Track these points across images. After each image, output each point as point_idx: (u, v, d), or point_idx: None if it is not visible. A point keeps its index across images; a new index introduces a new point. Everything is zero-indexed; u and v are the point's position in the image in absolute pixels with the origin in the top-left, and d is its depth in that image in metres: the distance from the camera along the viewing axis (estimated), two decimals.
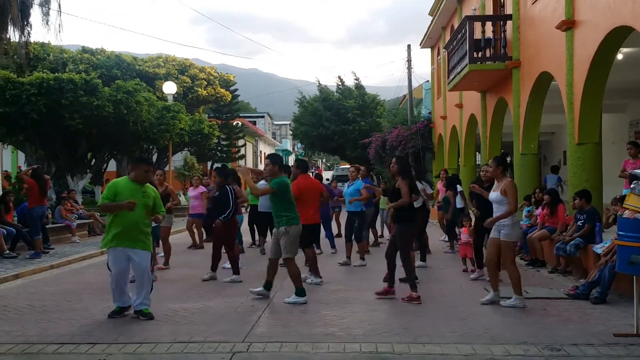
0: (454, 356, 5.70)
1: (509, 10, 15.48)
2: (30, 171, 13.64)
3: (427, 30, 26.78)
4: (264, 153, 58.73)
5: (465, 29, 15.63)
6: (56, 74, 20.88)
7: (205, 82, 35.41)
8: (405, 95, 36.46)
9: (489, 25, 15.84)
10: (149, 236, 7.53)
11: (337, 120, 40.41)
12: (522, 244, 12.24)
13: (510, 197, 7.82)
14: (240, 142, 41.59)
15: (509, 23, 15.21)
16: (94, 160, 24.85)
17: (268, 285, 8.54)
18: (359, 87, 42.72)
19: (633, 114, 18.05)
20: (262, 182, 13.19)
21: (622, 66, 12.43)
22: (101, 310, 7.72)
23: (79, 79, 19.96)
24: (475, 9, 18.63)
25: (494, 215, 7.99)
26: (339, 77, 43.39)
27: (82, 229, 17.37)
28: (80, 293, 9.20)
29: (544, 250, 11.13)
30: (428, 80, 31.89)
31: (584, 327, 6.74)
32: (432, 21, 25.53)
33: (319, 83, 43.98)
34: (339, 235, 15.72)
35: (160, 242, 11.48)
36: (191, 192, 14.98)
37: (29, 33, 16.02)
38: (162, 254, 11.70)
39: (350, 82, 44.14)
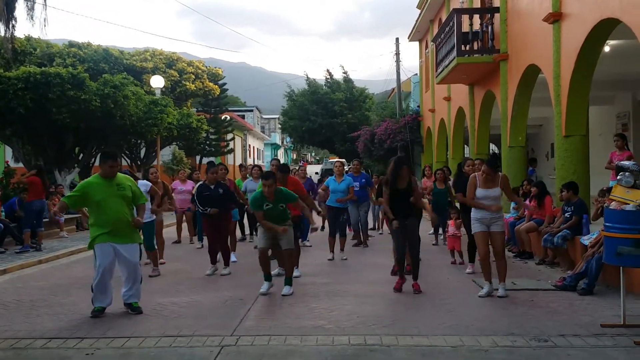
0: (442, 347, 5.73)
1: (496, 2, 15.50)
2: (34, 171, 13.78)
3: (415, 24, 26.81)
4: (253, 147, 58.63)
5: (453, 22, 15.67)
6: (43, 68, 20.68)
7: (194, 76, 35.21)
8: (393, 89, 36.49)
9: (476, 18, 15.85)
10: (135, 229, 7.50)
11: (326, 113, 40.44)
12: (510, 236, 12.32)
13: (509, 189, 8.05)
14: (229, 136, 41.45)
15: (497, 16, 15.25)
16: (81, 155, 24.68)
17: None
18: (347, 80, 42.75)
19: (620, 106, 18.16)
20: (249, 179, 13.18)
21: (609, 58, 12.50)
22: (89, 305, 7.63)
23: (66, 73, 19.78)
24: (463, 2, 18.66)
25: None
26: (327, 71, 43.43)
27: (70, 224, 17.29)
28: (68, 288, 9.15)
29: (531, 242, 11.18)
30: (416, 74, 31.93)
31: (571, 318, 6.78)
32: (420, 14, 25.55)
33: (307, 77, 43.96)
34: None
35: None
36: (180, 186, 14.83)
37: (14, 27, 15.87)
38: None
39: (338, 75, 44.14)
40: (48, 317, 7.20)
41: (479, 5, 17.47)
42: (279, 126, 60.77)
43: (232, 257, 11.30)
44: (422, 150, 28.51)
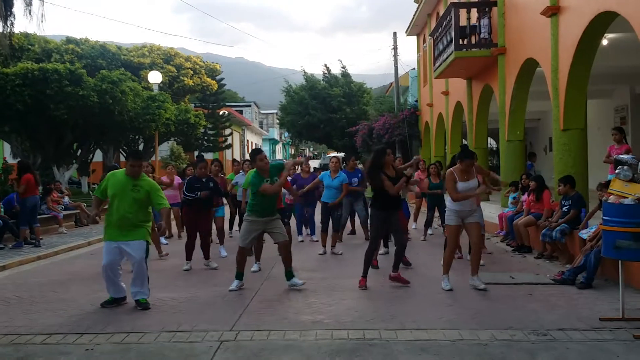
0: (441, 342, 5.74)
1: None
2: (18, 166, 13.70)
3: (413, 18, 26.76)
4: (251, 142, 58.58)
5: (451, 16, 15.65)
6: (41, 64, 20.70)
7: (191, 72, 35.18)
8: (391, 83, 36.46)
9: (474, 12, 15.82)
10: (144, 227, 7.51)
11: (324, 108, 40.37)
12: (508, 230, 12.34)
13: (483, 169, 8.42)
14: (227, 132, 41.43)
15: (494, 9, 15.22)
16: (79, 151, 24.67)
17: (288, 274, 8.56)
18: (345, 75, 42.66)
19: (618, 100, 18.18)
20: (241, 173, 13.16)
21: (607, 52, 12.51)
22: (89, 301, 7.71)
23: (64, 69, 19.79)
24: None
25: (465, 203, 8.08)
26: (325, 66, 43.32)
27: (69, 220, 17.28)
28: (67, 284, 9.16)
29: (529, 236, 11.19)
30: (414, 68, 31.90)
31: (570, 312, 6.79)
32: (417, 8, 25.50)
33: (305, 72, 43.88)
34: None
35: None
36: (167, 181, 14.67)
37: (12, 23, 15.80)
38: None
39: (336, 70, 44.08)
40: (48, 313, 7.21)
41: None
42: (277, 121, 60.70)
43: (223, 252, 11.36)
44: (420, 144, 28.50)
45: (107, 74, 21.29)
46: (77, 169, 24.63)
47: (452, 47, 15.65)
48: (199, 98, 38.57)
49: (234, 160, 16.59)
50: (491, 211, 14.84)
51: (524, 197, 11.88)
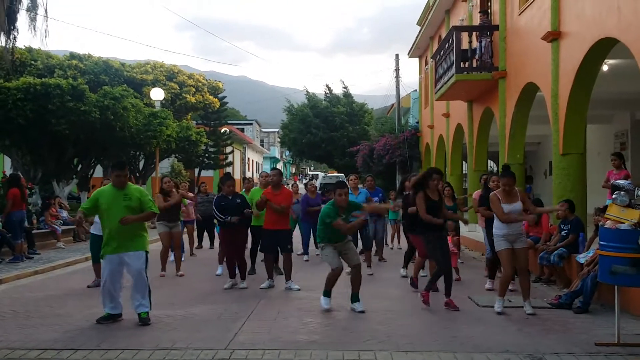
0: None
1: (496, 21, 15.62)
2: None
3: (415, 40, 26.95)
4: (252, 160, 58.68)
5: (453, 39, 15.76)
6: (43, 79, 20.75)
7: (194, 89, 35.31)
8: (393, 104, 36.62)
9: (475, 36, 15.95)
10: (142, 237, 7.54)
11: (326, 127, 40.54)
12: None
13: (529, 201, 8.33)
14: (228, 149, 41.53)
15: (496, 34, 15.35)
16: (80, 166, 24.70)
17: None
18: (347, 95, 42.90)
19: (618, 125, 18.24)
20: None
21: (607, 77, 12.59)
22: (84, 317, 7.69)
23: (66, 84, 19.86)
24: (462, 19, 18.78)
25: (513, 226, 8.03)
26: (327, 86, 43.56)
27: (68, 235, 17.27)
28: (63, 299, 9.15)
29: (528, 259, 11.14)
30: (416, 90, 32.05)
31: (566, 336, 6.78)
32: (420, 31, 25.70)
33: (307, 91, 44.12)
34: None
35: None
36: (192, 195, 14.72)
37: (15, 38, 15.93)
38: (173, 258, 11.90)
39: (337, 90, 44.31)
40: (43, 328, 7.20)
41: (478, 23, 17.58)
42: (279, 140, 60.88)
43: (219, 270, 11.32)
44: (421, 166, 28.55)
45: (109, 90, 21.37)
46: (77, 184, 24.62)
47: (454, 69, 15.75)
48: (201, 115, 38.69)
49: (244, 177, 16.50)
50: None
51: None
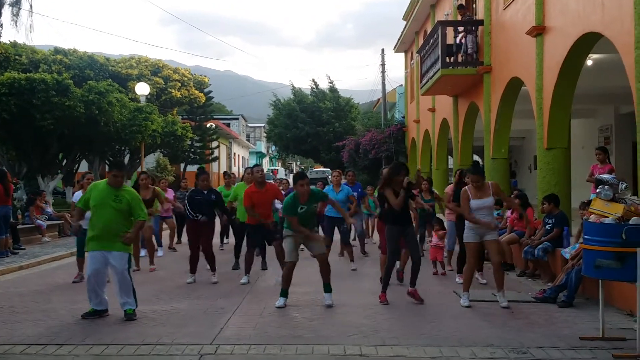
0: (421, 358, 5.74)
1: (480, 15, 15.65)
2: None
3: (401, 35, 26.97)
4: (238, 155, 58.52)
5: (438, 34, 15.78)
6: (27, 74, 20.60)
7: (179, 84, 35.15)
8: (379, 99, 36.67)
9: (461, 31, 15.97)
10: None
11: (312, 122, 40.52)
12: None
13: (504, 194, 8.30)
14: (214, 144, 41.41)
15: (481, 28, 15.38)
16: (65, 161, 24.53)
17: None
18: (333, 90, 42.88)
19: (602, 120, 18.37)
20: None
21: (591, 72, 12.66)
22: (69, 312, 7.64)
23: (51, 79, 19.73)
24: (447, 14, 18.80)
25: (486, 219, 8.09)
26: (313, 80, 43.52)
27: (53, 230, 17.14)
28: (49, 294, 9.09)
29: (512, 253, 11.24)
30: (402, 85, 32.09)
31: (551, 330, 6.82)
32: (405, 26, 25.71)
33: (293, 86, 44.05)
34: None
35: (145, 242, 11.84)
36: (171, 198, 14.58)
37: None
38: (144, 254, 11.88)
39: (324, 85, 44.29)
40: (28, 323, 7.14)
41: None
42: (265, 135, 60.73)
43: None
44: (407, 160, 28.58)
45: (94, 85, 21.25)
46: (62, 179, 24.47)
47: (439, 64, 15.78)
48: (187, 110, 38.54)
49: (225, 172, 16.46)
50: None
51: (508, 214, 11.94)
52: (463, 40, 15.60)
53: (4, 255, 12.89)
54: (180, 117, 37.03)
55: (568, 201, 11.25)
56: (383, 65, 33.10)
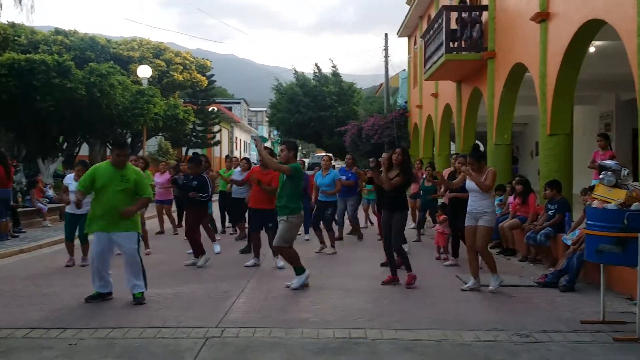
0: (425, 341, 5.79)
1: (485, 1, 15.58)
2: None
3: (405, 19, 26.86)
4: (240, 139, 58.47)
5: (442, 19, 15.73)
6: (27, 55, 20.47)
7: (181, 67, 35.00)
8: (381, 84, 36.56)
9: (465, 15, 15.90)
10: (133, 218, 7.47)
11: (315, 106, 40.40)
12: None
13: (491, 183, 8.12)
14: (216, 128, 41.35)
15: (485, 13, 15.32)
16: (65, 144, 24.50)
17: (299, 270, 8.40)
18: (335, 74, 42.73)
19: (604, 106, 18.35)
20: (237, 170, 13.16)
21: (594, 59, 12.62)
22: (72, 296, 7.67)
23: (51, 60, 19.60)
24: None
25: (473, 203, 8.17)
26: (316, 65, 43.35)
27: (54, 213, 17.19)
28: (50, 278, 9.13)
29: (514, 238, 11.29)
30: (405, 70, 31.99)
31: (552, 314, 6.88)
32: (409, 10, 25.60)
33: (295, 70, 43.89)
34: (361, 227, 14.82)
35: None
36: (158, 178, 14.67)
37: None
38: None
39: (326, 69, 44.13)
40: (30, 307, 7.17)
41: (468, 2, 17.53)
42: (267, 119, 60.61)
43: (217, 248, 11.36)
44: (409, 146, 28.57)
45: (95, 67, 21.12)
46: (62, 162, 24.46)
47: (443, 49, 15.73)
48: (189, 94, 38.45)
49: (227, 156, 16.57)
50: None
51: (510, 200, 11.98)
52: (467, 25, 15.50)
53: (4, 239, 12.91)
54: (182, 100, 36.95)
55: (569, 187, 11.28)
56: (386, 50, 32.96)
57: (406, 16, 26.42)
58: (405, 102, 30.36)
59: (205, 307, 7.19)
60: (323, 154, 45.04)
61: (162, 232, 14.68)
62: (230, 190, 13.66)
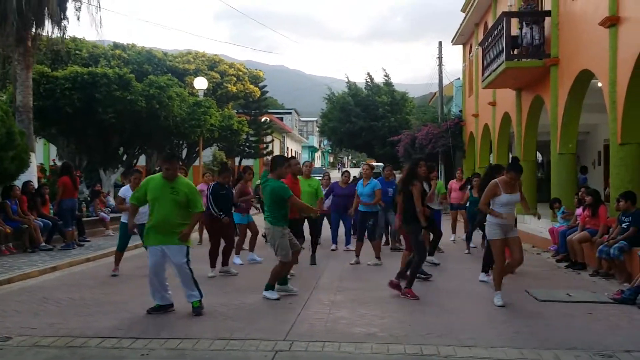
0: None
1: (547, 6, 15.20)
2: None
3: (460, 27, 26.49)
4: (291, 149, 58.76)
5: (502, 25, 15.40)
6: (90, 69, 21.01)
7: (235, 78, 35.41)
8: (434, 93, 36.16)
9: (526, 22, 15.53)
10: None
11: (366, 116, 40.20)
12: (559, 244, 12.00)
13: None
14: (268, 138, 41.62)
15: (547, 20, 14.94)
16: (125, 155, 24.98)
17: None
18: (388, 83, 42.46)
19: None
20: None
21: None
22: (140, 304, 7.68)
23: (113, 73, 20.06)
24: (511, 5, 18.33)
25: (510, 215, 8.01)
26: (368, 74, 43.12)
27: (116, 223, 17.42)
28: (117, 286, 9.25)
29: (584, 252, 10.87)
30: (459, 78, 31.54)
31: (634, 333, 6.55)
32: (464, 18, 25.23)
33: (348, 79, 43.82)
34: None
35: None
36: (204, 188, 14.49)
37: (65, 27, 16.11)
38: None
39: (378, 79, 43.86)
40: (100, 316, 7.24)
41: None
42: (317, 129, 60.75)
43: (258, 258, 11.65)
44: (464, 155, 28.13)
45: (154, 79, 21.51)
46: (122, 173, 24.95)
47: (503, 56, 15.38)
48: (242, 105, 38.82)
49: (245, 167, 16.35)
50: (540, 225, 14.50)
51: (579, 212, 11.57)
52: (529, 31, 15.12)
53: (71, 247, 13.22)
54: (236, 111, 37.34)
55: None
56: (440, 58, 32.57)
57: (461, 24, 26.05)
58: (460, 111, 29.90)
59: (270, 318, 7.12)
60: (374, 163, 44.74)
61: (200, 242, 14.58)
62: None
